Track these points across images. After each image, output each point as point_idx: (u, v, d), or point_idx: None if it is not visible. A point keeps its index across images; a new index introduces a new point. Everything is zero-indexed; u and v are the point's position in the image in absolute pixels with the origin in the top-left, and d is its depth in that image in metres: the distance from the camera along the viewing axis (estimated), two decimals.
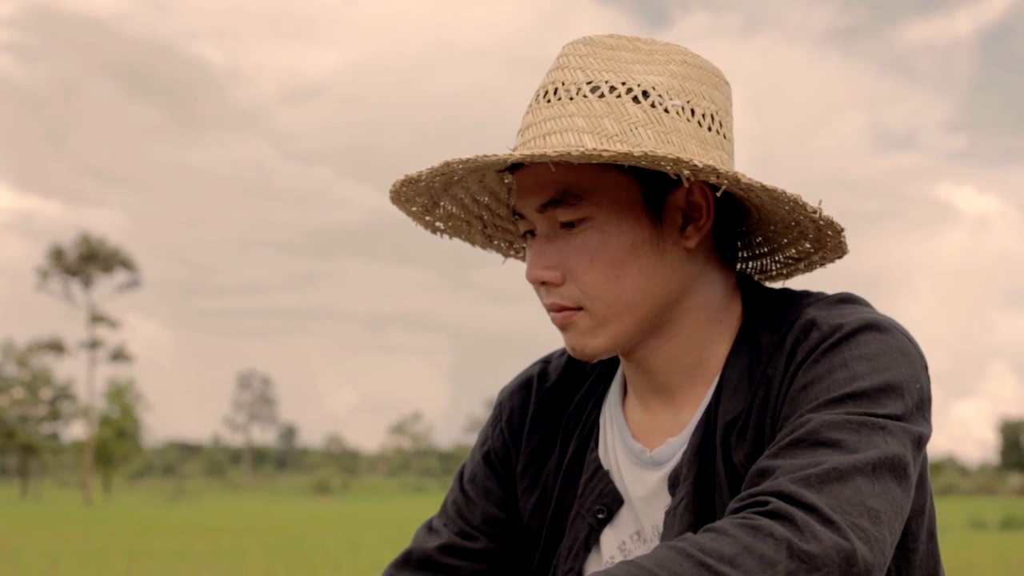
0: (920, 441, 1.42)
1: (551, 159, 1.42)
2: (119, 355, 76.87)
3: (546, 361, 1.76)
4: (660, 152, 1.40)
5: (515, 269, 1.73)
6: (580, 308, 1.52)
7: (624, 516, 1.61)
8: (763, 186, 1.44)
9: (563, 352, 1.74)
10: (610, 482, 1.62)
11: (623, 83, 1.48)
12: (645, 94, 1.48)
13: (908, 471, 1.38)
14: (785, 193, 1.46)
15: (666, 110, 1.48)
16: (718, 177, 1.43)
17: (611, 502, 1.61)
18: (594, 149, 1.40)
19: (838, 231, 1.52)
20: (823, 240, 1.57)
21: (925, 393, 1.45)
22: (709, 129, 1.51)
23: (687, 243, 1.53)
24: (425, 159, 1.54)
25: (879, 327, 1.47)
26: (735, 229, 1.61)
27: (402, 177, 1.54)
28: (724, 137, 1.54)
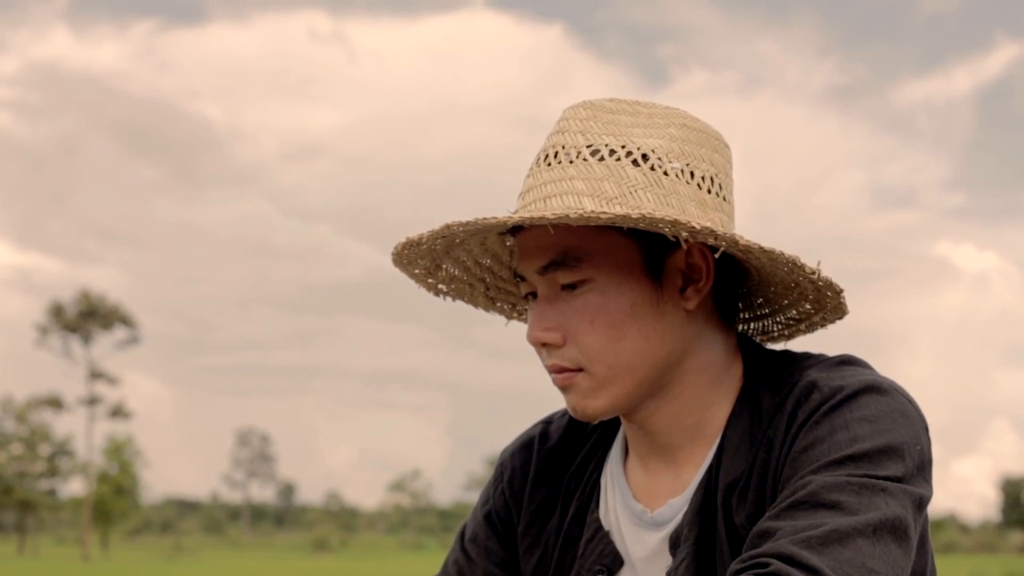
0: (921, 503, 1.42)
1: (550, 222, 1.43)
2: (118, 412, 76.77)
3: (547, 422, 1.76)
4: (658, 214, 1.41)
5: (514, 327, 1.74)
6: (581, 369, 1.53)
7: None
8: (761, 247, 1.45)
9: (564, 413, 1.74)
10: (610, 543, 1.61)
11: (623, 146, 1.50)
12: (645, 157, 1.49)
13: (909, 533, 1.38)
14: (783, 254, 1.47)
15: (665, 173, 1.49)
16: (716, 239, 1.44)
17: (611, 563, 1.61)
18: (593, 211, 1.41)
19: (837, 292, 1.53)
20: (823, 301, 1.57)
21: (926, 455, 1.45)
22: (708, 191, 1.52)
23: (687, 304, 1.53)
24: (425, 217, 1.56)
25: (880, 389, 1.47)
26: (735, 290, 1.62)
27: (403, 240, 1.55)
28: (724, 199, 1.55)
